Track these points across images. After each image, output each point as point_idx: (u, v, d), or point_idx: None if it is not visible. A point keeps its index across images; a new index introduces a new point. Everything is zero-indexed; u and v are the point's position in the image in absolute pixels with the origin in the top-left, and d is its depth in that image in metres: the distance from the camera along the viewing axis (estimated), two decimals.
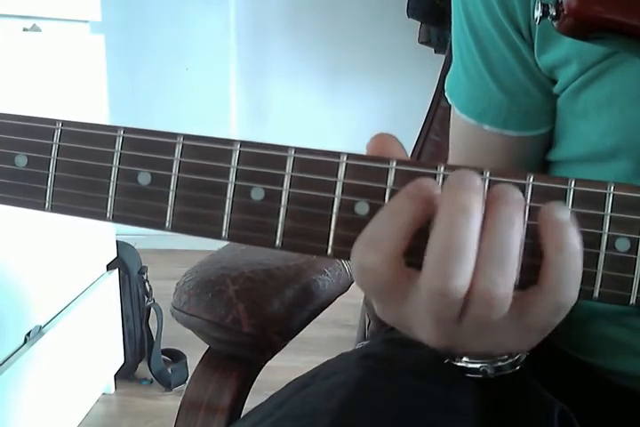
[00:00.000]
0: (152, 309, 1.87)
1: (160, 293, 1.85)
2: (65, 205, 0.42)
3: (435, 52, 2.59)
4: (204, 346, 0.75)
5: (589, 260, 0.38)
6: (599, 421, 0.58)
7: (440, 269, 0.37)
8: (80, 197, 0.42)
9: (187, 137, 0.41)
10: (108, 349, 1.75)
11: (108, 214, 0.42)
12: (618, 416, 0.59)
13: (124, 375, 1.86)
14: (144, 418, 1.75)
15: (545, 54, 0.56)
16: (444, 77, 0.67)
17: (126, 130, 0.42)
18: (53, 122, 0.42)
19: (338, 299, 0.81)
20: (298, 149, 0.40)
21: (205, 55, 2.95)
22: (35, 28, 1.42)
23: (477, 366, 0.47)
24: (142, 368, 1.89)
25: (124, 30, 2.84)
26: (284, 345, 0.72)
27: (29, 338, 1.37)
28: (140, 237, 2.53)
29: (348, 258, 0.40)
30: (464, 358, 0.47)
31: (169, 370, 1.86)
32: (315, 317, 0.75)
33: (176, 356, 1.90)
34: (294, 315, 0.72)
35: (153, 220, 0.41)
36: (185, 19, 2.92)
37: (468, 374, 0.47)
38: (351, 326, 2.11)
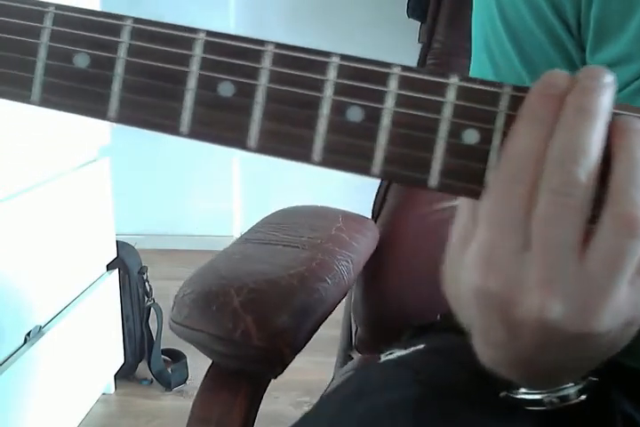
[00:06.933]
0: (152, 309, 1.87)
1: (160, 293, 1.85)
2: (132, 115, 0.37)
3: None
4: None
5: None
6: None
7: (560, 167, 0.33)
8: (151, 106, 0.37)
9: (278, 45, 0.37)
10: (107, 349, 1.75)
11: (181, 128, 0.37)
12: None
13: (124, 375, 1.86)
14: (144, 418, 1.74)
15: (600, 52, 0.54)
16: None
17: (208, 33, 0.37)
18: (121, 17, 0.37)
19: None
20: (404, 67, 0.36)
21: None
22: None
23: (539, 396, 0.43)
24: (142, 368, 1.89)
25: None
26: (293, 358, 0.68)
27: (29, 338, 1.37)
28: (140, 237, 2.53)
29: (452, 191, 0.36)
30: (522, 389, 0.43)
31: (169, 370, 1.86)
32: (319, 326, 0.72)
33: (176, 356, 1.90)
34: (302, 325, 0.69)
35: (234, 137, 0.37)
36: (185, 19, 2.91)
37: (529, 407, 0.43)
38: None
